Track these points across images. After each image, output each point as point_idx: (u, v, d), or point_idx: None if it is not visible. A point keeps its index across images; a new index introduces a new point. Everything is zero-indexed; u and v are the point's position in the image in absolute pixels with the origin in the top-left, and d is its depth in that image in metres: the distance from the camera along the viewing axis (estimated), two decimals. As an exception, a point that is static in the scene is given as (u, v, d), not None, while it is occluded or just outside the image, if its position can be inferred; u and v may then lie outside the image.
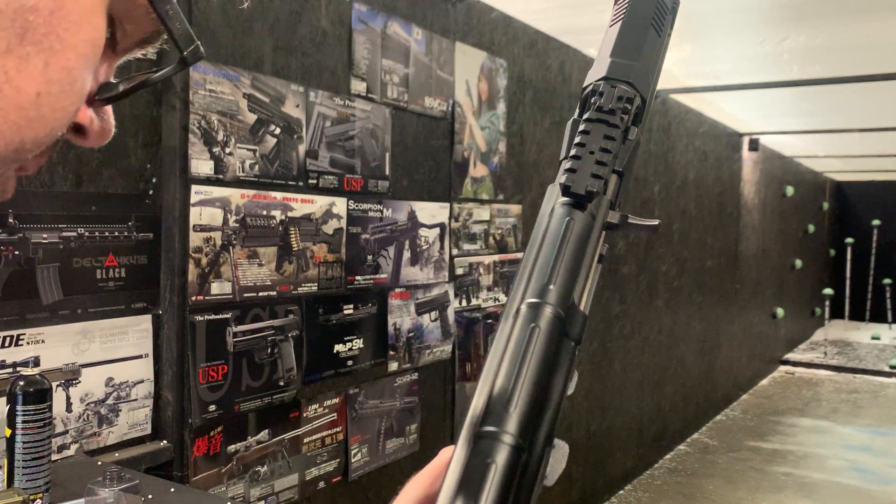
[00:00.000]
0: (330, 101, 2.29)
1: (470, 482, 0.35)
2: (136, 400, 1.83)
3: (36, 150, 0.34)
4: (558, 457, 0.40)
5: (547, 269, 0.42)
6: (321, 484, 2.31)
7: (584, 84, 0.50)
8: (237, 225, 2.01)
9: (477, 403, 0.38)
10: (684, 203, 5.39)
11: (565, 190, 0.45)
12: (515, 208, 3.27)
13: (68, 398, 1.68)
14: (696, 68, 4.23)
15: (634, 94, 0.48)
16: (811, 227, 9.63)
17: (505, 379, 0.38)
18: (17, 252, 1.58)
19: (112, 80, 0.39)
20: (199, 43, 0.38)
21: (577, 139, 0.46)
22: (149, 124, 1.85)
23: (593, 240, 0.44)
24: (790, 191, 8.28)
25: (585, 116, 0.47)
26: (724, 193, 6.25)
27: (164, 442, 1.88)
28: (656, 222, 0.47)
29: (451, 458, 0.37)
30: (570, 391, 0.41)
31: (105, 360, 1.75)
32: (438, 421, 2.86)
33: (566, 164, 0.46)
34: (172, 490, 1.55)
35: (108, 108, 0.39)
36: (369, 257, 2.46)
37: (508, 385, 0.38)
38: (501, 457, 0.35)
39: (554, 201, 0.46)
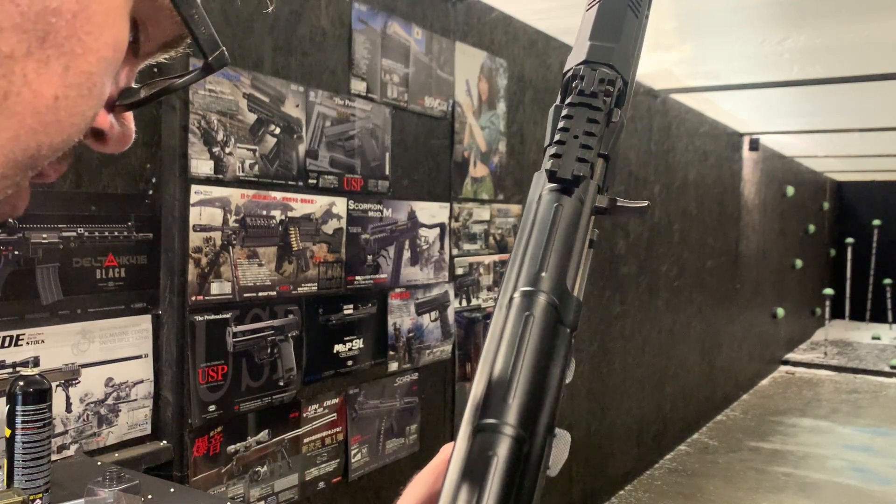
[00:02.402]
0: (330, 101, 2.29)
1: (472, 475, 0.34)
2: (135, 400, 1.83)
3: (52, 156, 0.33)
4: (560, 446, 0.39)
5: (538, 256, 0.41)
6: (321, 484, 2.31)
7: (565, 69, 0.49)
8: (237, 225, 2.01)
9: (475, 396, 0.37)
10: (684, 203, 5.39)
11: (552, 176, 0.44)
12: (515, 208, 3.27)
13: (68, 398, 1.68)
14: (696, 68, 4.23)
15: (616, 77, 0.48)
16: (811, 227, 9.63)
17: (502, 370, 0.38)
18: (17, 252, 1.57)
19: (133, 84, 0.38)
20: (223, 49, 0.37)
21: (560, 124, 0.45)
22: (149, 124, 1.85)
23: (583, 225, 0.44)
24: (790, 191, 8.28)
25: (568, 101, 0.47)
26: (724, 193, 6.25)
27: (164, 442, 1.88)
28: (645, 203, 0.46)
29: (451, 454, 0.37)
30: (568, 379, 0.40)
31: (105, 361, 1.75)
32: (438, 421, 2.85)
33: (551, 150, 0.45)
34: (172, 490, 1.55)
35: (129, 114, 0.38)
36: (369, 257, 2.46)
37: (506, 376, 0.37)
38: (503, 449, 0.35)
39: (541, 188, 0.45)
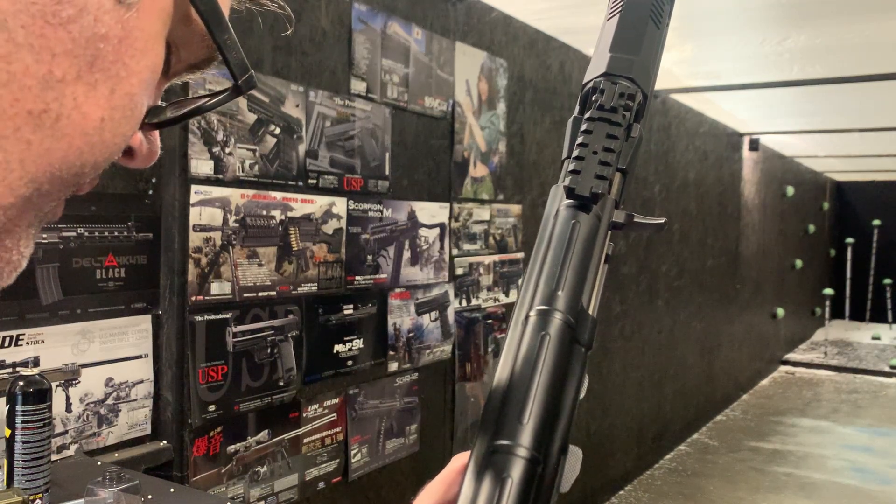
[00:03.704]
0: (330, 101, 2.29)
1: (487, 498, 0.35)
2: (135, 400, 1.83)
3: (93, 174, 0.35)
4: (573, 462, 0.40)
5: (555, 274, 0.42)
6: (321, 484, 2.31)
7: (584, 80, 0.49)
8: (237, 225, 2.01)
9: (489, 416, 0.38)
10: (684, 203, 5.39)
11: (570, 192, 0.44)
12: (515, 208, 3.27)
13: (68, 398, 1.68)
14: (696, 68, 4.23)
15: (636, 90, 0.47)
16: (811, 227, 9.63)
17: (517, 390, 0.38)
18: (16, 252, 1.57)
19: (160, 103, 0.39)
20: (252, 72, 0.38)
21: (579, 139, 0.45)
22: (148, 124, 1.84)
23: (599, 242, 0.44)
24: (790, 191, 8.28)
25: (587, 115, 0.46)
26: (724, 193, 6.25)
27: (164, 442, 1.88)
28: (663, 220, 0.46)
29: (465, 469, 0.37)
30: (581, 395, 0.41)
31: (105, 361, 1.75)
32: (438, 421, 2.85)
33: (569, 166, 0.45)
34: (172, 490, 1.55)
35: (156, 132, 0.40)
36: (369, 257, 2.46)
37: (521, 396, 0.38)
38: (517, 471, 0.36)
39: (558, 203, 0.45)
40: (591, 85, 0.48)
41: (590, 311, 0.42)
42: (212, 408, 1.97)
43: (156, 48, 0.34)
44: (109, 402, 1.77)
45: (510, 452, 0.36)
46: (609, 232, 0.45)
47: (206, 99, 0.40)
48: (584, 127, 0.46)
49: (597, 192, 0.43)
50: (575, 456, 0.40)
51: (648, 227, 0.46)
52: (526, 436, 0.36)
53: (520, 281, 3.30)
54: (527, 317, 0.41)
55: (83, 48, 0.31)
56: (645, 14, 0.50)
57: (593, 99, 0.47)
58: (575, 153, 0.45)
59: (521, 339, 0.40)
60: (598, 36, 0.51)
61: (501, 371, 0.39)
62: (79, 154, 0.32)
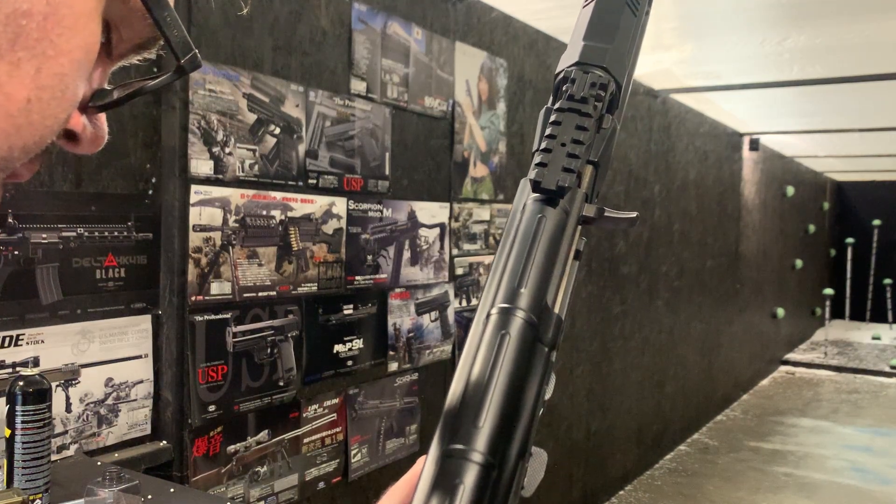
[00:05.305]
0: (330, 101, 2.29)
1: None
2: (135, 400, 1.83)
3: (24, 158, 0.33)
4: (536, 466, 0.38)
5: (518, 271, 0.40)
6: (321, 484, 2.31)
7: (557, 69, 0.47)
8: (237, 225, 2.01)
9: (445, 418, 0.37)
10: (685, 203, 5.39)
11: (535, 186, 0.42)
12: (515, 208, 3.27)
13: (68, 398, 1.68)
14: (696, 68, 4.23)
15: (609, 80, 0.45)
16: (811, 227, 9.63)
17: (473, 392, 0.37)
18: (16, 252, 1.57)
19: (106, 86, 0.38)
20: (196, 51, 0.37)
21: (547, 130, 0.44)
22: (148, 124, 1.84)
23: (567, 237, 0.42)
24: (790, 191, 8.28)
25: (557, 106, 0.45)
26: (724, 193, 6.24)
27: (164, 442, 1.87)
28: (634, 214, 0.44)
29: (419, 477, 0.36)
30: (547, 396, 0.39)
31: (104, 361, 1.75)
32: (438, 421, 2.85)
33: (537, 158, 0.43)
34: (172, 490, 1.55)
35: (102, 115, 0.38)
36: (369, 257, 2.46)
37: (477, 399, 0.36)
38: (470, 477, 0.34)
39: (525, 197, 0.43)
40: (562, 74, 0.46)
41: (555, 310, 0.40)
42: (212, 408, 1.96)
43: (88, 26, 0.33)
44: (109, 402, 1.77)
45: (464, 457, 0.35)
46: (579, 227, 0.44)
47: (150, 79, 0.38)
48: (553, 118, 0.44)
49: (563, 185, 0.42)
50: (539, 459, 0.38)
51: (621, 222, 0.44)
52: (481, 440, 0.35)
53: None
54: (488, 315, 0.39)
55: (3, 24, 0.29)
56: (621, 1, 0.48)
57: (564, 89, 0.45)
58: (542, 145, 0.43)
59: (480, 338, 0.38)
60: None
61: (460, 372, 0.38)
62: (4, 136, 0.31)
